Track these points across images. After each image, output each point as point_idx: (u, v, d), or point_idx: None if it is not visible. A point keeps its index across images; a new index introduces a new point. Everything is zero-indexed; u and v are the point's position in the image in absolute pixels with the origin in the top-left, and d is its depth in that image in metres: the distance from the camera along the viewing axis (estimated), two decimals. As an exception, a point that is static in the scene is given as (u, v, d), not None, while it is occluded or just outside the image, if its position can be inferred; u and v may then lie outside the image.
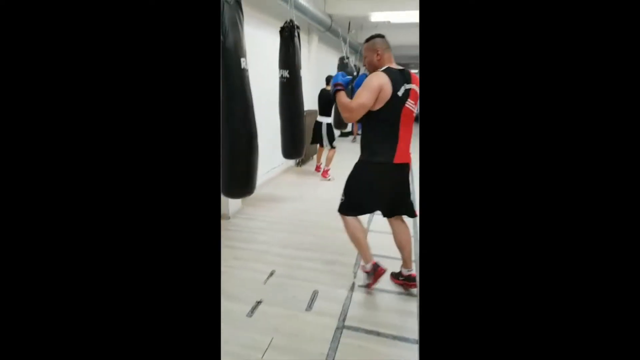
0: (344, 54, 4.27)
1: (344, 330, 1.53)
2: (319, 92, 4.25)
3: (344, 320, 1.60)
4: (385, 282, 1.89)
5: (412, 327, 1.58)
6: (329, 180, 3.99)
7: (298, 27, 2.73)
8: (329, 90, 3.46)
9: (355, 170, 1.70)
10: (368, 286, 1.84)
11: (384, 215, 1.82)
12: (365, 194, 1.68)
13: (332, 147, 4.07)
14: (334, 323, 1.58)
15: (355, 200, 1.71)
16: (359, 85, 1.60)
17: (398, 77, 1.52)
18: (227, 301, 1.70)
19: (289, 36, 2.72)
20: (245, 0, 3.05)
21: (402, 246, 1.81)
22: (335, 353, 1.40)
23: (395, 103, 1.51)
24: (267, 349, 1.42)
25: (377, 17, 5.35)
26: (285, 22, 2.70)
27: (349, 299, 1.77)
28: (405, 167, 1.65)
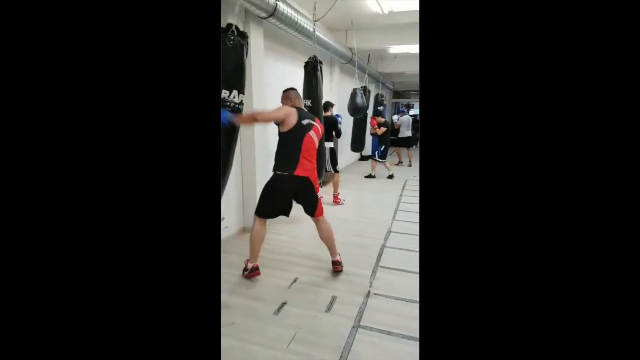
0: (357, 87, 4.50)
1: (359, 329, 1.72)
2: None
3: (359, 320, 1.80)
4: (399, 290, 2.07)
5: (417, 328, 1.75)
6: (342, 204, 4.04)
7: (320, 62, 3.08)
8: (329, 116, 3.78)
9: (269, 180, 2.15)
10: (243, 274, 2.24)
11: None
12: (272, 199, 2.14)
13: (336, 172, 4.11)
14: (350, 323, 1.77)
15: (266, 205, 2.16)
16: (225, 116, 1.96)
17: (305, 113, 2.16)
18: (256, 302, 1.94)
19: (312, 70, 3.08)
20: (276, 38, 3.46)
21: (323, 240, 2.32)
22: (351, 347, 1.60)
23: (300, 129, 2.06)
24: (291, 341, 1.63)
25: (395, 49, 5.71)
26: (310, 58, 3.06)
27: (364, 304, 1.96)
28: (305, 179, 2.10)
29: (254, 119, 2.10)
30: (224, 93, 2.01)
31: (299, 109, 2.14)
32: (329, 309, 1.91)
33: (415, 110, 12.20)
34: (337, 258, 2.34)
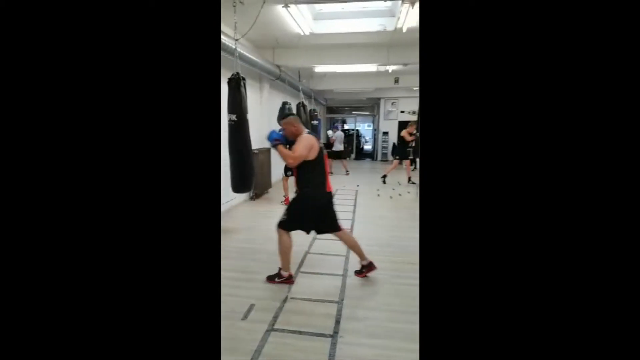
0: (286, 100, 4.77)
1: (272, 332, 1.80)
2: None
3: (273, 324, 1.87)
4: (315, 292, 2.20)
5: (328, 325, 1.88)
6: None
7: (244, 79, 3.18)
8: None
9: (302, 199, 2.29)
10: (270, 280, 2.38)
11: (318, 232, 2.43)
12: (308, 216, 2.28)
13: (287, 176, 4.54)
14: (264, 327, 1.84)
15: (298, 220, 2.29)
16: (273, 137, 2.23)
17: (316, 136, 2.32)
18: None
19: (235, 86, 3.16)
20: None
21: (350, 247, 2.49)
22: (262, 349, 1.66)
23: (321, 155, 2.27)
24: (203, 350, 1.65)
25: (320, 68, 6.04)
26: (232, 74, 3.14)
27: (280, 308, 2.05)
28: (331, 194, 2.34)
29: (291, 158, 2.16)
30: None
31: (311, 134, 2.28)
32: (245, 316, 1.96)
33: (348, 126, 12.88)
34: (365, 262, 2.45)
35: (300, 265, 2.67)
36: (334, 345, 1.70)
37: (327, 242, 3.16)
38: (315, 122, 6.29)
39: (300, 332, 1.80)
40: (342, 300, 2.14)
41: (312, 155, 2.20)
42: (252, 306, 2.06)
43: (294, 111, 5.29)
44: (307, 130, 2.33)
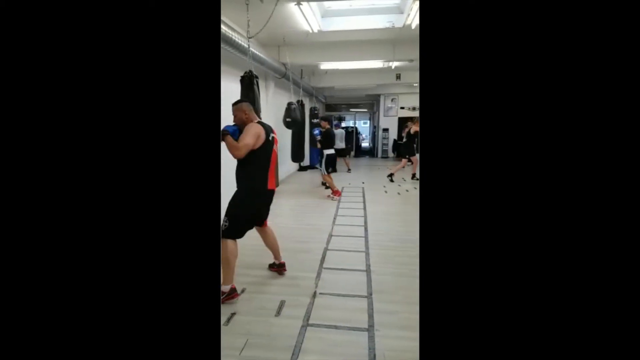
0: (293, 100, 4.86)
1: (308, 327, 1.82)
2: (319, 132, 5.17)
3: (307, 320, 1.90)
4: (342, 287, 2.23)
5: (362, 319, 1.91)
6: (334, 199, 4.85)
7: (257, 77, 3.17)
8: (328, 129, 5.05)
9: (238, 197, 2.09)
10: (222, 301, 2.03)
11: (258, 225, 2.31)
12: (247, 214, 2.12)
13: (327, 173, 5.02)
14: (299, 323, 1.86)
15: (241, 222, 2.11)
16: (224, 128, 2.01)
17: (268, 127, 2.11)
18: (204, 315, 1.93)
19: (249, 84, 3.15)
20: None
21: (270, 246, 2.43)
22: (301, 344, 1.69)
23: (268, 145, 2.09)
24: (243, 347, 1.66)
25: (325, 65, 6.05)
26: (245, 72, 3.13)
27: (311, 304, 2.07)
28: (272, 192, 2.19)
29: (236, 149, 1.95)
30: None
31: (261, 123, 2.09)
32: (278, 312, 1.98)
33: (346, 123, 12.90)
34: (283, 260, 2.48)
35: (322, 262, 2.70)
36: (371, 338, 1.72)
37: (344, 238, 3.20)
38: (316, 120, 6.30)
39: (336, 327, 1.82)
40: (371, 294, 2.17)
41: (257, 143, 1.99)
42: (282, 302, 2.08)
43: (297, 112, 5.33)
44: (258, 119, 2.16)
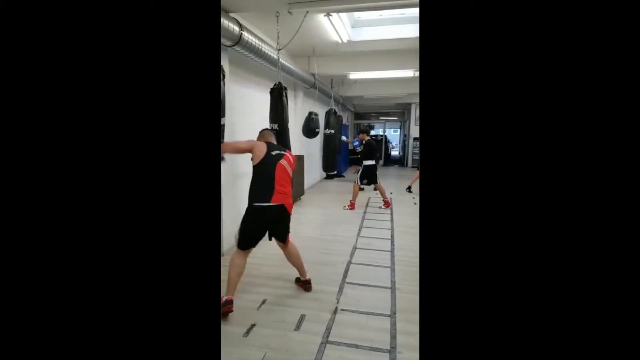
0: (313, 110, 4.91)
1: (327, 345, 1.78)
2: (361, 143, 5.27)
3: (327, 336, 1.85)
4: (365, 305, 2.16)
5: (384, 339, 1.83)
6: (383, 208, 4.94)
7: (285, 88, 3.21)
8: (368, 140, 5.10)
9: (246, 211, 2.17)
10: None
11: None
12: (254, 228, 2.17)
13: (361, 184, 5.06)
14: (318, 339, 1.82)
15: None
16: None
17: (274, 146, 2.26)
18: (224, 325, 1.93)
19: (278, 96, 3.20)
20: (240, 64, 3.56)
21: (293, 263, 2.41)
22: (320, 363, 1.64)
23: (270, 159, 2.16)
24: (261, 361, 1.64)
25: (355, 75, 6.04)
26: (275, 84, 3.18)
27: (332, 320, 2.02)
28: (280, 207, 2.16)
29: (222, 150, 2.16)
30: None
31: (268, 143, 2.25)
32: (297, 327, 1.95)
33: (376, 131, 12.76)
34: (308, 277, 2.43)
35: (345, 276, 2.64)
36: (393, 361, 1.65)
37: (369, 252, 3.12)
38: (329, 131, 6.25)
39: (357, 346, 1.76)
40: (395, 313, 2.09)
41: (256, 158, 2.15)
42: (302, 317, 2.05)
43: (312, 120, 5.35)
44: (271, 142, 2.31)
